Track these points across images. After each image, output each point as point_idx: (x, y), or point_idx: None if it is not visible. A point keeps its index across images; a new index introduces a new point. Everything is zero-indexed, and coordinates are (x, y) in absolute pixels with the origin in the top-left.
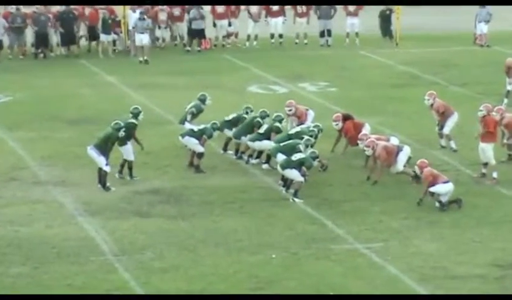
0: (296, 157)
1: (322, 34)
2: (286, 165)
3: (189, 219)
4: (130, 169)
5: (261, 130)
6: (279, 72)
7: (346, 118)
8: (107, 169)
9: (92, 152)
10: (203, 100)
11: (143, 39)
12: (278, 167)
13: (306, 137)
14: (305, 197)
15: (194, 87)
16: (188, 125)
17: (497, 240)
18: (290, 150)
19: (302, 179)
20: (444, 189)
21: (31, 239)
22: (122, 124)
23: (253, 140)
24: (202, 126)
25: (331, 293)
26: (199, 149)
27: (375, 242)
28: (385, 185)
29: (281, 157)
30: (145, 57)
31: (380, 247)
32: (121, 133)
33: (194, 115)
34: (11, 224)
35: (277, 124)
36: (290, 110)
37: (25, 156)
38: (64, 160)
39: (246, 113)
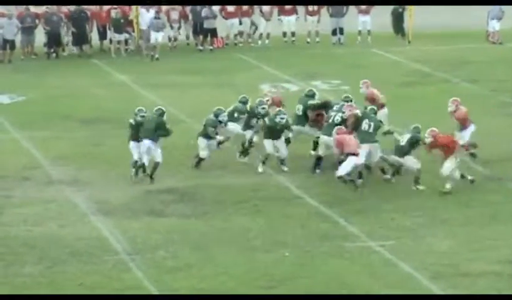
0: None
1: (334, 32)
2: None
3: (202, 218)
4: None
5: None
6: (291, 70)
7: None
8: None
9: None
10: (244, 102)
11: (158, 37)
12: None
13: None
14: (318, 195)
15: (207, 86)
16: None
17: (510, 237)
18: None
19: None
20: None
21: (44, 239)
22: (163, 109)
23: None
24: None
25: (344, 291)
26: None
27: (388, 240)
28: (397, 183)
29: None
30: (156, 55)
31: (393, 245)
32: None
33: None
34: (24, 223)
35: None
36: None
37: (38, 156)
38: (76, 159)
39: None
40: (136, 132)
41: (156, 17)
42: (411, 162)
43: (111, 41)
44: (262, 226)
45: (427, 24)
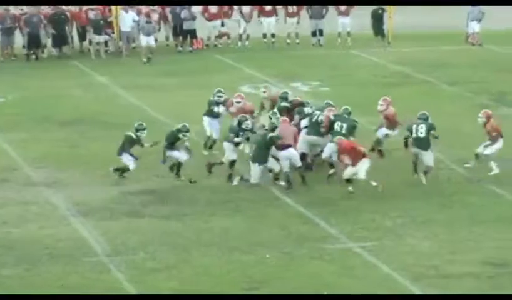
0: None
1: (313, 34)
2: None
3: (181, 219)
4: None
5: None
6: (271, 71)
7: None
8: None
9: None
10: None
11: (149, 40)
12: None
13: None
14: (298, 196)
15: (187, 87)
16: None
17: (490, 238)
18: None
19: None
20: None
21: (23, 240)
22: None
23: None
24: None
25: (324, 293)
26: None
27: (368, 241)
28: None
29: None
30: (149, 55)
31: (373, 246)
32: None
33: None
34: (3, 225)
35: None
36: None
37: (18, 157)
38: (56, 161)
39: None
40: (131, 147)
41: (148, 22)
42: (429, 158)
43: (90, 42)
44: (242, 227)
45: (406, 25)
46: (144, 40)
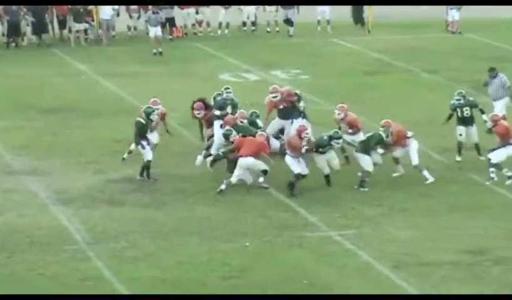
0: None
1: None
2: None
3: (162, 208)
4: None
5: None
6: (251, 60)
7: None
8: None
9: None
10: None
11: (156, 31)
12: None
13: None
14: (278, 185)
15: (166, 76)
16: None
17: (469, 227)
18: None
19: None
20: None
21: (4, 228)
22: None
23: None
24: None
25: (304, 281)
26: None
27: (348, 229)
28: (356, 173)
29: None
30: (159, 49)
31: (353, 234)
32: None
33: None
34: None
35: None
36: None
37: None
38: (36, 149)
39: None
40: (144, 134)
41: (155, 12)
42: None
43: (70, 30)
44: (222, 216)
45: (386, 13)
46: (153, 31)
